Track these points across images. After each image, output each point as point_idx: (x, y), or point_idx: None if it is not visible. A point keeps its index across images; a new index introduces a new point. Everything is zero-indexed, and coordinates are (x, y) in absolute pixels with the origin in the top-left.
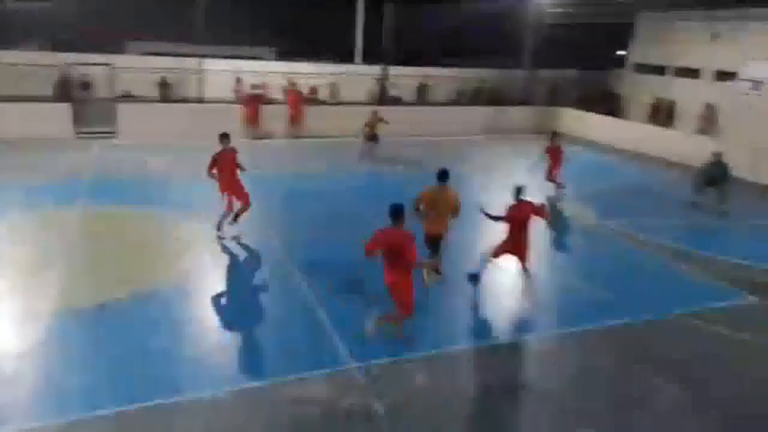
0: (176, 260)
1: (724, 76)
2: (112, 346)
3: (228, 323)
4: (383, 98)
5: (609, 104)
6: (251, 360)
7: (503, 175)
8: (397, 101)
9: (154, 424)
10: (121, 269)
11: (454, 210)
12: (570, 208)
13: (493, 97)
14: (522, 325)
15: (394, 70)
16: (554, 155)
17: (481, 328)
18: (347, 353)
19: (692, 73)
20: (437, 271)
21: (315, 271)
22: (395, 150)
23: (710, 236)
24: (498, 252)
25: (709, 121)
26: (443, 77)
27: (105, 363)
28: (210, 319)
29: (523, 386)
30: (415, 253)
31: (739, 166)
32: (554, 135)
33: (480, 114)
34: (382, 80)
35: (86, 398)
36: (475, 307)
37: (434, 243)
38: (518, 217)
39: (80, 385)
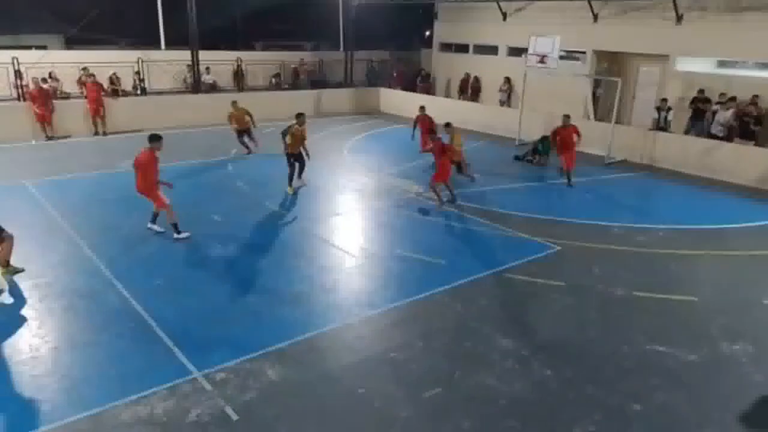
0: None
1: (516, 51)
2: None
3: (44, 354)
4: (197, 86)
5: (424, 82)
6: (77, 390)
7: (336, 154)
8: (213, 88)
9: None
10: None
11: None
12: (395, 183)
13: (314, 80)
14: (367, 302)
15: (205, 55)
16: (424, 125)
17: (329, 311)
18: (189, 362)
19: (492, 50)
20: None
21: (139, 281)
22: (227, 137)
23: (522, 197)
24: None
25: (508, 94)
26: (259, 62)
27: None
28: (20, 352)
29: (374, 360)
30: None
31: (535, 131)
32: (422, 108)
33: (302, 98)
34: (194, 66)
35: None
36: (321, 292)
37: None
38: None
39: None
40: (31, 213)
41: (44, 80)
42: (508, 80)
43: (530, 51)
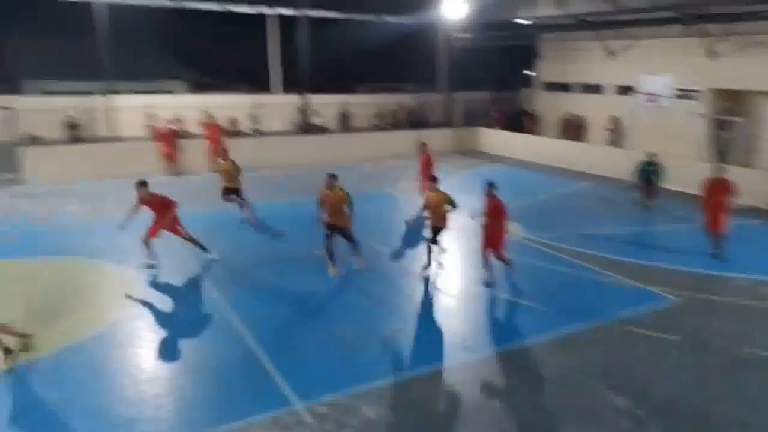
0: (100, 311)
1: (624, 90)
2: (31, 410)
3: (164, 375)
4: (307, 127)
5: (524, 122)
6: (190, 412)
7: None
8: (321, 129)
9: None
10: (41, 325)
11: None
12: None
13: (413, 121)
14: (467, 346)
15: (314, 98)
16: (427, 163)
17: (426, 352)
18: (291, 393)
19: (595, 89)
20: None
21: (250, 311)
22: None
23: (634, 241)
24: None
25: (616, 133)
26: (362, 104)
27: (33, 424)
28: (141, 372)
29: (472, 407)
30: None
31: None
32: (423, 145)
33: (402, 138)
34: (304, 109)
35: None
36: (418, 332)
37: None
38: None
39: None
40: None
41: (171, 122)
42: (615, 119)
43: (639, 90)
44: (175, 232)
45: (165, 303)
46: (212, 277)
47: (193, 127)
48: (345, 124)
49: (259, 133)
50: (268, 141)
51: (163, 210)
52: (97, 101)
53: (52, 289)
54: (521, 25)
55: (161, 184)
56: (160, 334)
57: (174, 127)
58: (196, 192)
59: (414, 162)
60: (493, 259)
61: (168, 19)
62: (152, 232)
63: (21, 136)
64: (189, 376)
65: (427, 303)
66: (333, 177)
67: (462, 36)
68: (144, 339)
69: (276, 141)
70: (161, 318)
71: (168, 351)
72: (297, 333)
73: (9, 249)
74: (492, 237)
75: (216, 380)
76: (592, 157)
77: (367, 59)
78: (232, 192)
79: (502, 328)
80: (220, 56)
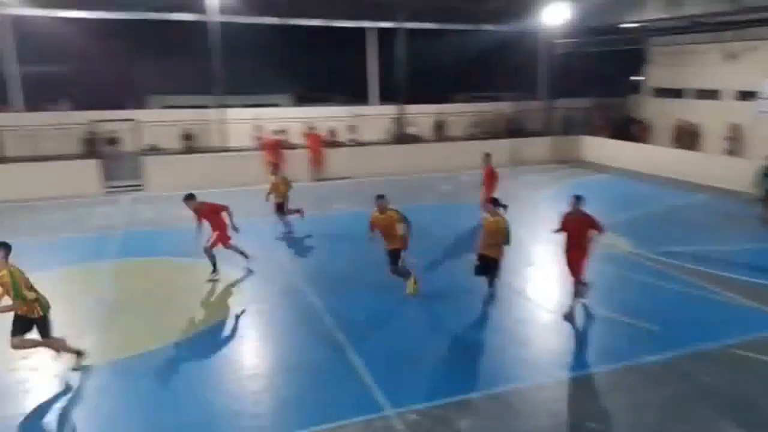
0: (208, 310)
1: (745, 95)
2: (147, 397)
3: (263, 372)
4: (402, 137)
5: (631, 130)
6: (286, 410)
7: (529, 205)
8: (416, 139)
9: None
10: (154, 320)
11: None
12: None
13: (511, 129)
14: (565, 363)
15: (410, 108)
16: (489, 177)
17: (523, 367)
18: (384, 399)
19: (711, 94)
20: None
21: (346, 316)
22: (426, 184)
23: (753, 260)
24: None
25: (736, 141)
26: (459, 113)
27: (139, 418)
28: (244, 368)
29: (568, 428)
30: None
31: None
32: (487, 156)
33: (499, 147)
34: (399, 119)
35: None
36: (515, 346)
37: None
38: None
39: None
40: (260, 246)
41: (276, 133)
42: (734, 127)
43: (764, 95)
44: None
45: (265, 304)
46: (310, 281)
47: (296, 138)
48: (440, 133)
49: (356, 142)
50: (364, 150)
51: (216, 216)
52: (211, 114)
53: (165, 286)
54: (628, 29)
55: (265, 192)
56: (260, 333)
57: (279, 137)
58: (298, 199)
59: (511, 172)
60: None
61: (275, 35)
62: (219, 241)
63: (144, 147)
64: (286, 375)
65: (525, 318)
66: (381, 198)
67: (563, 42)
68: (246, 338)
69: (372, 150)
70: (262, 319)
71: (267, 350)
72: (391, 341)
73: (131, 249)
74: (573, 259)
75: (310, 381)
76: (708, 167)
77: (465, 68)
78: (281, 206)
79: (602, 346)
80: (322, 70)
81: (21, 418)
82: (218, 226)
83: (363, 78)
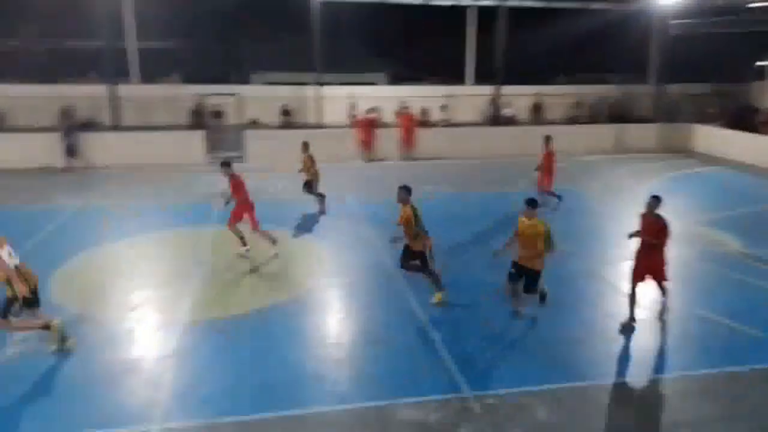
0: (297, 279)
1: None
2: (237, 356)
3: (345, 342)
4: (496, 118)
5: (749, 120)
6: (365, 380)
7: (630, 197)
8: (510, 121)
9: None
10: (248, 286)
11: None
12: (706, 234)
13: (615, 115)
14: (656, 363)
15: (507, 89)
16: (549, 162)
17: (610, 363)
18: (463, 380)
19: None
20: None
21: (429, 296)
22: (519, 169)
23: None
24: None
25: None
26: (559, 95)
27: (231, 372)
28: (328, 336)
29: (652, 428)
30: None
31: None
32: (548, 139)
33: (601, 132)
34: (495, 100)
35: (215, 405)
36: (603, 340)
37: None
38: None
39: (209, 392)
40: (347, 222)
41: (369, 112)
42: None
43: None
44: (238, 217)
45: (352, 278)
46: (394, 258)
47: (389, 117)
48: (538, 116)
49: (448, 123)
50: (457, 131)
51: (240, 194)
52: (309, 91)
53: (259, 254)
54: (756, 9)
55: (356, 169)
56: (344, 305)
57: (372, 116)
58: (386, 177)
59: (612, 160)
60: (654, 286)
61: (374, 14)
62: (239, 218)
63: (246, 120)
64: (367, 348)
65: (616, 313)
66: (404, 189)
67: (680, 22)
68: (332, 308)
69: (465, 132)
70: (346, 291)
71: (353, 322)
72: (474, 324)
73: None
74: (651, 263)
75: (390, 356)
76: None
77: (568, 49)
78: (308, 183)
79: (699, 349)
80: (418, 49)
81: (125, 363)
82: (240, 203)
83: (459, 58)
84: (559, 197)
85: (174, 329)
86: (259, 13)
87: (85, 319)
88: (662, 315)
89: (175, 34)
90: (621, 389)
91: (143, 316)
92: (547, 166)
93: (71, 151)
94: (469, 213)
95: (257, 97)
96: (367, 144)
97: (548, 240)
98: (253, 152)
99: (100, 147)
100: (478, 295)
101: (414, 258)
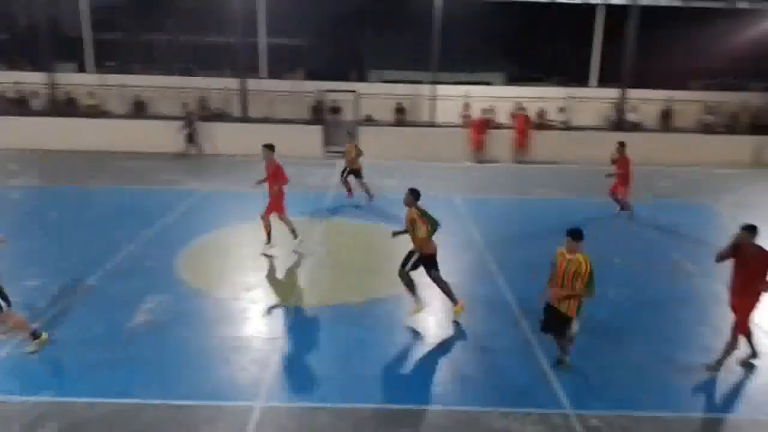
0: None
1: None
2: (341, 344)
3: (446, 342)
4: (620, 123)
5: None
6: (463, 384)
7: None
8: (636, 127)
9: (364, 427)
10: (354, 277)
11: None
12: None
13: (758, 125)
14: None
15: (634, 93)
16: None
17: (733, 396)
18: (565, 396)
19: None
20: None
21: (532, 305)
22: (642, 179)
23: None
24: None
25: None
26: (692, 101)
27: (333, 359)
28: (430, 335)
29: None
30: None
31: None
32: (621, 145)
33: (739, 143)
34: (620, 104)
35: (316, 389)
36: (726, 371)
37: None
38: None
39: (312, 376)
40: (453, 223)
41: (484, 112)
42: None
43: None
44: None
45: (456, 279)
46: (499, 262)
47: (504, 118)
48: (667, 122)
49: (567, 126)
50: (575, 135)
51: (274, 182)
52: (424, 89)
53: (367, 247)
54: None
55: (465, 169)
56: (445, 306)
57: (486, 116)
58: (498, 179)
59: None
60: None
61: (495, 12)
62: (271, 210)
63: (361, 117)
64: (469, 352)
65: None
66: (411, 192)
67: None
68: (431, 308)
69: (584, 136)
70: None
71: (450, 324)
72: (580, 339)
73: (340, 210)
74: (742, 301)
75: (490, 363)
76: None
77: (703, 51)
78: (353, 173)
79: None
80: (538, 48)
81: (236, 341)
82: (274, 193)
83: (583, 58)
84: (625, 209)
85: (284, 312)
86: (382, 12)
87: (204, 296)
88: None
89: (302, 31)
90: (743, 426)
91: (257, 297)
92: (623, 174)
93: (190, 139)
94: (576, 220)
95: (374, 95)
96: (479, 144)
97: (591, 282)
98: (366, 147)
99: (229, 136)
100: (587, 308)
101: (427, 263)
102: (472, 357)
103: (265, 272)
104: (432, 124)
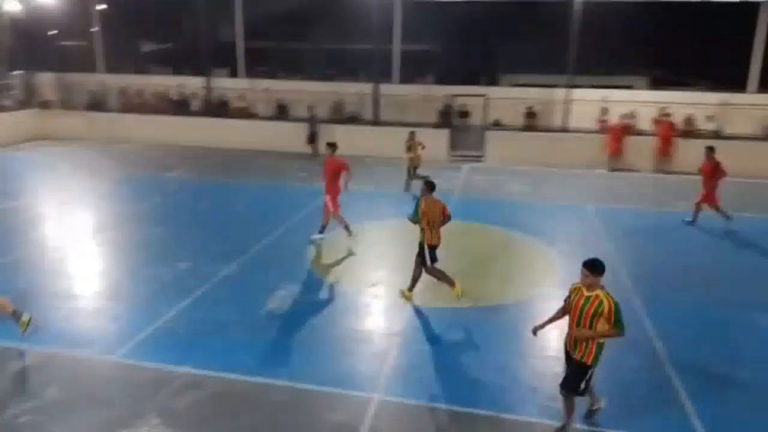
0: (525, 282)
1: None
2: (458, 347)
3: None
4: None
5: None
6: (586, 402)
7: None
8: None
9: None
10: (475, 280)
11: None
12: None
13: None
14: None
15: None
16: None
17: None
18: (701, 428)
19: None
20: None
21: (668, 325)
22: None
23: None
24: None
25: None
26: None
27: (450, 361)
28: (547, 349)
29: None
30: None
31: None
32: (710, 150)
33: None
34: None
35: (430, 388)
36: None
37: None
38: None
39: (427, 375)
40: (583, 231)
41: (623, 117)
42: None
43: None
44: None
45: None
46: (633, 278)
47: (644, 124)
48: None
49: (717, 135)
50: (728, 145)
51: (334, 178)
52: (557, 94)
53: (489, 251)
54: None
55: (599, 177)
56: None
57: (625, 122)
58: (633, 188)
59: None
60: None
61: (638, 12)
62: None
63: (489, 121)
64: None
65: None
66: (426, 183)
67: None
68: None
69: (738, 146)
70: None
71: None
72: (720, 364)
73: (464, 212)
74: None
75: (618, 381)
76: None
77: None
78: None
79: None
80: (687, 50)
81: (359, 333)
82: (331, 189)
83: (740, 61)
84: (728, 217)
85: (405, 309)
86: (516, 15)
87: (331, 288)
88: None
89: (434, 37)
90: None
91: (379, 293)
92: (707, 182)
93: (312, 139)
94: (721, 238)
95: (503, 99)
96: (617, 151)
97: (618, 321)
98: (493, 152)
99: (362, 138)
100: (730, 329)
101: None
102: (599, 375)
103: (389, 270)
104: (565, 129)
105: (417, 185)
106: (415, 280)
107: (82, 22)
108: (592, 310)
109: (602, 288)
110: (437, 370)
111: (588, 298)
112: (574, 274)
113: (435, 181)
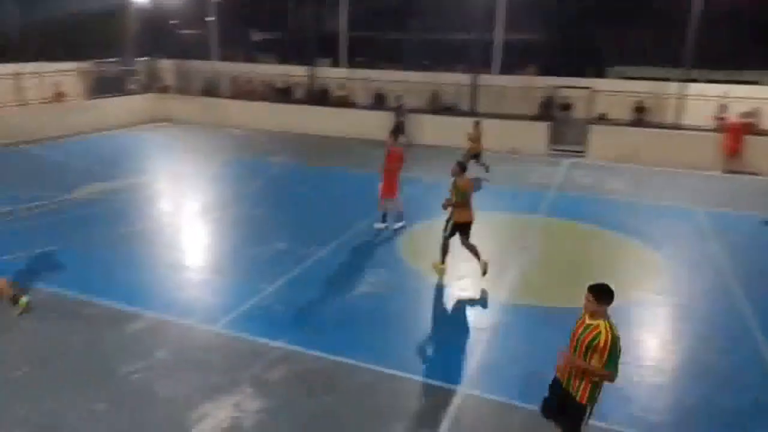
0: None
1: None
2: (543, 346)
3: (667, 366)
4: None
5: None
6: (690, 415)
7: None
8: None
9: None
10: (563, 280)
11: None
12: None
13: None
14: None
15: None
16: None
17: None
18: None
19: None
20: None
21: None
22: None
23: None
24: None
25: None
26: None
27: (534, 361)
28: (641, 359)
29: None
30: None
31: None
32: None
33: None
34: None
35: (514, 387)
36: None
37: None
38: None
39: (511, 374)
40: (692, 237)
41: (744, 115)
42: None
43: None
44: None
45: (685, 299)
46: (746, 290)
47: None
48: None
49: None
50: None
51: (392, 167)
52: (670, 88)
53: (581, 250)
54: None
55: (713, 178)
56: (675, 327)
57: (747, 120)
58: (751, 193)
59: None
60: None
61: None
62: (385, 194)
63: (593, 115)
64: (690, 380)
65: None
66: (458, 164)
67: None
68: (657, 327)
69: None
70: (680, 314)
71: (681, 348)
72: None
73: (560, 209)
74: None
75: (721, 388)
76: None
77: None
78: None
79: None
80: None
81: (446, 325)
82: (387, 178)
83: None
84: None
85: (493, 306)
86: (626, 3)
87: (420, 277)
88: None
89: (539, 27)
90: None
91: (467, 285)
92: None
93: (398, 130)
94: None
95: (610, 92)
96: (735, 152)
97: (610, 360)
98: (596, 147)
99: (458, 129)
100: None
101: (461, 229)
102: (695, 380)
103: (475, 263)
104: (677, 126)
105: (475, 168)
106: (475, 254)
107: (199, 12)
108: (587, 341)
109: (607, 319)
110: (524, 369)
111: (587, 326)
112: (677, 279)
113: (532, 174)
